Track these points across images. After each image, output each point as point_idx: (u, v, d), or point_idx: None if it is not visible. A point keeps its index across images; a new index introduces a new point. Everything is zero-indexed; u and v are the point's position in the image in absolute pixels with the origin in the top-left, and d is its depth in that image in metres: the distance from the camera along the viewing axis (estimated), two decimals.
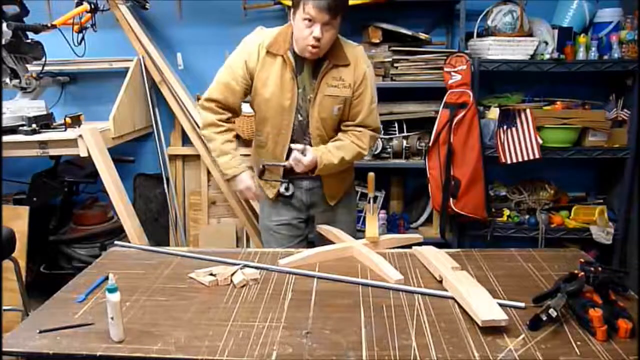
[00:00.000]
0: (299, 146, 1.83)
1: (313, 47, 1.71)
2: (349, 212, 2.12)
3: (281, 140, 1.88)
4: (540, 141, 2.65)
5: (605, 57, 2.66)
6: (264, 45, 1.81)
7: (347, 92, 1.84)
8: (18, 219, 2.59)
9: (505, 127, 2.71)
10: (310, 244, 2.06)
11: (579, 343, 1.15)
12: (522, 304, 1.31)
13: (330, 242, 1.86)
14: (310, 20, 1.67)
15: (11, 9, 2.42)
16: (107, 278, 1.22)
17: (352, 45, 1.88)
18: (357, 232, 2.09)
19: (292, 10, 1.75)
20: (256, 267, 1.58)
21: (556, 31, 2.68)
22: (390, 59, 2.71)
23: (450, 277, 1.41)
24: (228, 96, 1.87)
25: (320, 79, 1.81)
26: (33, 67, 2.62)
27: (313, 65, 1.82)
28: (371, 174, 1.85)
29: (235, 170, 1.89)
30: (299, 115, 1.86)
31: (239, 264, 1.57)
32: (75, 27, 2.57)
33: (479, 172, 2.65)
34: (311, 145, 1.87)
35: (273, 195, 1.99)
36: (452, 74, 2.63)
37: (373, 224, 1.81)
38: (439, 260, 1.55)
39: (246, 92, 1.89)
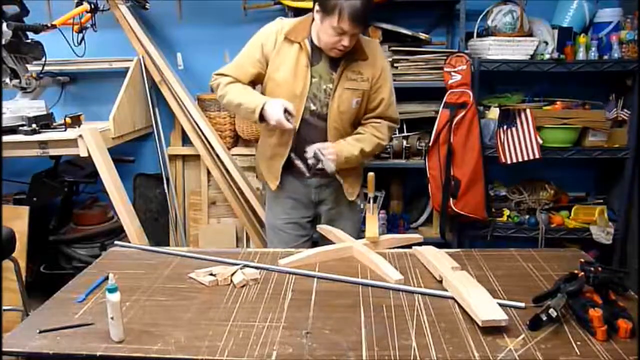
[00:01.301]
0: (317, 145, 1.81)
1: (340, 50, 1.76)
2: (355, 210, 2.11)
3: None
4: (540, 141, 2.65)
5: (605, 57, 2.66)
6: (282, 31, 1.84)
7: (365, 85, 1.87)
8: (18, 219, 2.58)
9: (505, 127, 2.71)
10: (315, 244, 2.06)
11: (579, 343, 1.15)
12: (522, 304, 1.31)
13: (331, 242, 1.86)
14: (341, 31, 1.70)
15: (11, 9, 2.42)
16: (107, 278, 1.22)
17: (368, 40, 1.92)
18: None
19: (317, 10, 1.74)
20: (256, 267, 1.58)
21: (556, 31, 2.68)
22: (390, 59, 2.70)
23: (450, 277, 1.41)
24: (240, 75, 1.87)
25: (341, 73, 1.83)
26: (33, 67, 2.61)
27: (331, 58, 1.83)
28: (371, 174, 1.85)
29: (264, 99, 1.79)
30: (312, 104, 1.86)
31: (239, 264, 1.57)
32: (75, 27, 2.57)
33: (479, 172, 2.65)
34: (327, 138, 1.87)
35: (275, 187, 1.98)
36: (452, 74, 2.64)
37: (373, 224, 1.80)
38: (439, 260, 1.54)
39: (258, 76, 1.88)
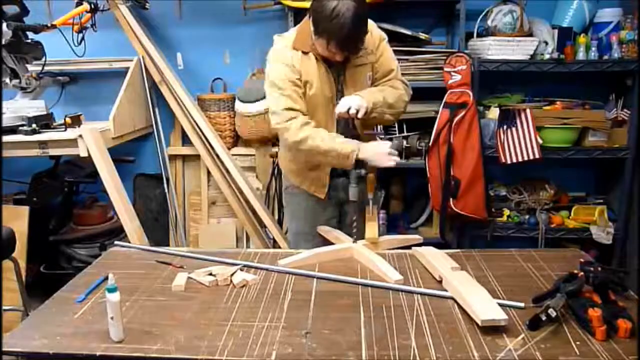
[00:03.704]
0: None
1: (337, 60, 1.77)
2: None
3: (330, 124, 1.84)
4: (540, 141, 2.65)
5: (605, 57, 2.66)
6: (289, 46, 1.82)
7: (372, 57, 1.87)
8: (18, 219, 2.59)
9: (505, 127, 2.71)
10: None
11: (578, 343, 1.15)
12: (522, 304, 1.31)
13: (331, 243, 1.87)
14: (332, 52, 1.71)
15: (11, 9, 2.42)
16: (107, 278, 1.22)
17: None
18: None
19: (310, 22, 1.72)
20: (256, 267, 1.58)
21: (556, 31, 2.68)
22: None
23: (450, 277, 1.42)
24: (303, 106, 1.81)
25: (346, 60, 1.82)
26: (33, 67, 2.61)
27: None
28: (371, 175, 1.85)
29: (357, 144, 1.75)
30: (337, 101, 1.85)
31: (239, 264, 1.57)
32: (75, 27, 2.58)
33: (479, 172, 2.65)
34: (355, 129, 1.86)
35: (324, 195, 1.96)
36: (452, 74, 2.64)
37: (373, 225, 1.80)
38: (438, 260, 1.55)
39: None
